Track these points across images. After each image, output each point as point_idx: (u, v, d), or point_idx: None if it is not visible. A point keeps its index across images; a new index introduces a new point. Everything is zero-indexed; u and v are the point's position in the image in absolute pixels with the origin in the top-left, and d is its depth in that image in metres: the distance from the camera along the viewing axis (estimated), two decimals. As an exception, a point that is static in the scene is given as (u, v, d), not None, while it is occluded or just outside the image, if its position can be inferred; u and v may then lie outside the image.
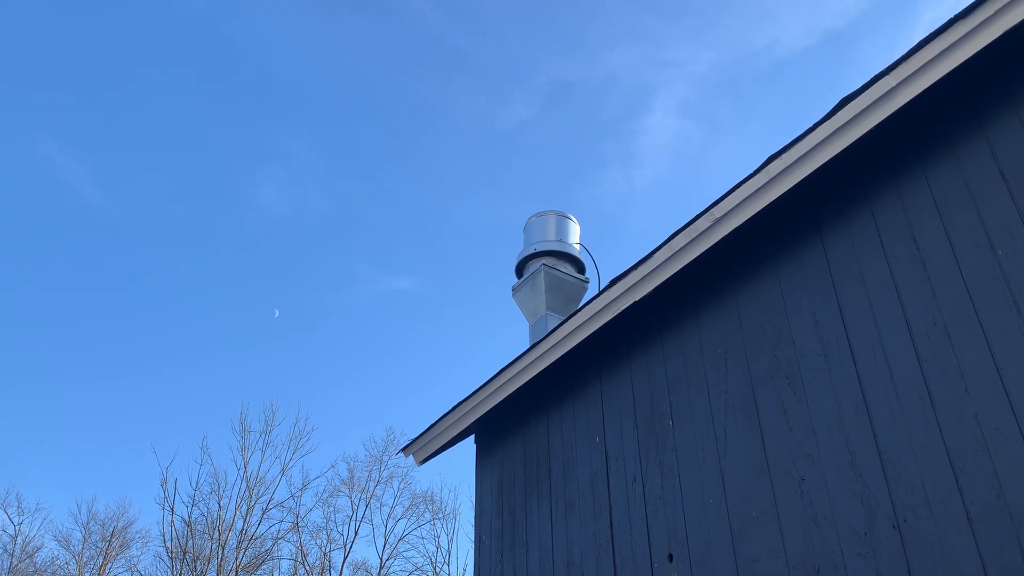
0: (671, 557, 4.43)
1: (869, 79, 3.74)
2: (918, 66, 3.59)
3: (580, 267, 7.82)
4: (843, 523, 3.67)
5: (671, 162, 39.45)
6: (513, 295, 7.78)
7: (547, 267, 7.47)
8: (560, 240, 7.81)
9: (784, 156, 4.09)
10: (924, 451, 3.47)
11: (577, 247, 7.88)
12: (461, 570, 27.79)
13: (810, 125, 3.98)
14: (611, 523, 4.89)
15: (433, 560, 27.63)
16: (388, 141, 39.39)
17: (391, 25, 37.89)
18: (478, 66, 39.47)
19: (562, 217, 8.00)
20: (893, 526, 3.48)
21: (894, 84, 3.69)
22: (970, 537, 3.22)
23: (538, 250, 7.72)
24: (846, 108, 3.84)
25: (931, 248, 3.74)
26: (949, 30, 3.52)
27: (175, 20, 36.24)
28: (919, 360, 3.61)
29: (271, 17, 36.75)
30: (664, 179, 39.71)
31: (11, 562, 26.57)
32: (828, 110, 3.92)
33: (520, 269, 7.92)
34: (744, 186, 4.27)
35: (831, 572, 3.65)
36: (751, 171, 4.23)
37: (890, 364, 3.72)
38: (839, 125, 3.87)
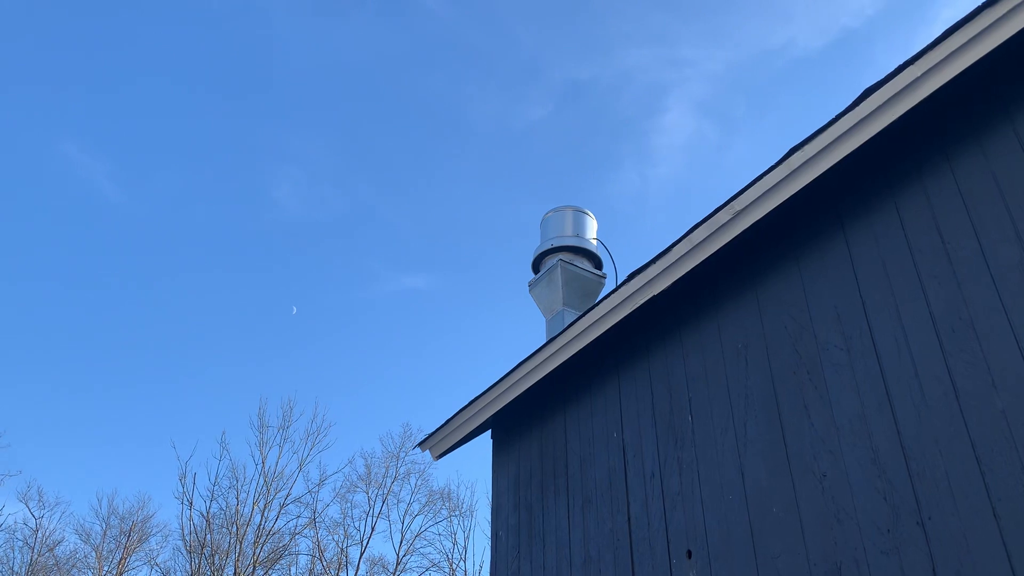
0: (690, 554, 4.39)
1: (894, 68, 3.68)
2: (944, 55, 3.52)
3: (597, 262, 7.78)
4: (866, 520, 3.62)
5: (686, 161, 39.25)
6: (530, 291, 7.75)
7: (564, 262, 7.43)
8: (577, 235, 7.77)
9: (806, 148, 4.03)
10: (949, 447, 3.41)
11: (594, 242, 7.84)
12: (477, 567, 27.82)
13: (833, 116, 3.92)
14: (629, 519, 4.85)
15: (450, 556, 27.68)
16: (403, 140, 39.46)
17: (405, 25, 37.94)
18: (492, 65, 39.45)
19: (579, 212, 7.95)
20: (917, 523, 3.42)
21: (919, 74, 3.62)
22: (996, 534, 3.15)
23: (555, 245, 7.69)
24: (870, 99, 3.78)
25: (957, 241, 3.67)
26: (976, 18, 3.45)
27: (193, 22, 36.47)
28: (944, 354, 3.55)
29: (287, 18, 36.91)
30: (679, 178, 39.54)
31: (32, 556, 26.87)
32: (851, 101, 3.86)
33: (537, 265, 7.89)
34: (765, 179, 4.21)
35: (853, 570, 3.60)
36: (772, 163, 4.18)
37: (914, 359, 3.66)
38: (863, 116, 3.81)
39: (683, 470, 4.62)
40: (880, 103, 3.75)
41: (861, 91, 3.82)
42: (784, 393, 4.20)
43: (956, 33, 3.50)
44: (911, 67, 3.64)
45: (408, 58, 38.51)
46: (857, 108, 3.83)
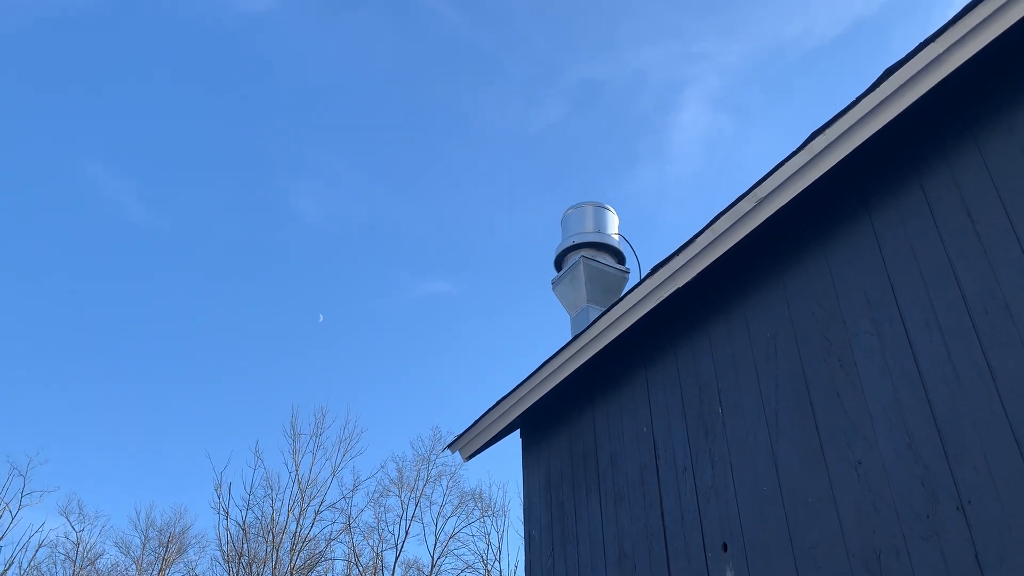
0: (725, 547, 4.34)
1: (915, 46, 3.61)
2: (967, 30, 3.45)
3: (620, 258, 7.73)
4: (904, 506, 3.56)
5: (705, 155, 38.99)
6: (553, 288, 7.72)
7: (586, 259, 7.39)
8: (599, 231, 7.73)
9: (828, 132, 3.97)
10: (987, 429, 3.34)
11: (616, 237, 7.78)
12: (512, 567, 27.82)
13: (854, 98, 3.86)
14: (662, 514, 4.81)
15: (484, 557, 27.70)
16: (421, 147, 39.58)
17: (419, 32, 38.05)
18: (507, 70, 39.45)
19: (600, 208, 7.90)
20: (957, 507, 3.36)
21: (941, 51, 3.56)
22: (1040, 517, 3.08)
23: (577, 242, 7.64)
24: (891, 78, 3.71)
25: (986, 220, 3.59)
26: (998, -9, 3.38)
27: (210, 39, 36.90)
28: (977, 335, 3.48)
29: (304, 31, 37.17)
30: (698, 172, 39.25)
31: (74, 569, 27.27)
32: (872, 81, 3.79)
33: (559, 262, 7.85)
34: (787, 165, 4.16)
35: (893, 557, 3.53)
36: (793, 149, 4.12)
37: (947, 341, 3.59)
38: (884, 96, 3.75)
39: (715, 463, 4.57)
40: (901, 83, 3.68)
41: (883, 70, 3.76)
42: (815, 381, 4.14)
43: (978, 7, 3.43)
44: (933, 44, 3.57)
45: (422, 64, 38.64)
46: (878, 89, 3.77)
